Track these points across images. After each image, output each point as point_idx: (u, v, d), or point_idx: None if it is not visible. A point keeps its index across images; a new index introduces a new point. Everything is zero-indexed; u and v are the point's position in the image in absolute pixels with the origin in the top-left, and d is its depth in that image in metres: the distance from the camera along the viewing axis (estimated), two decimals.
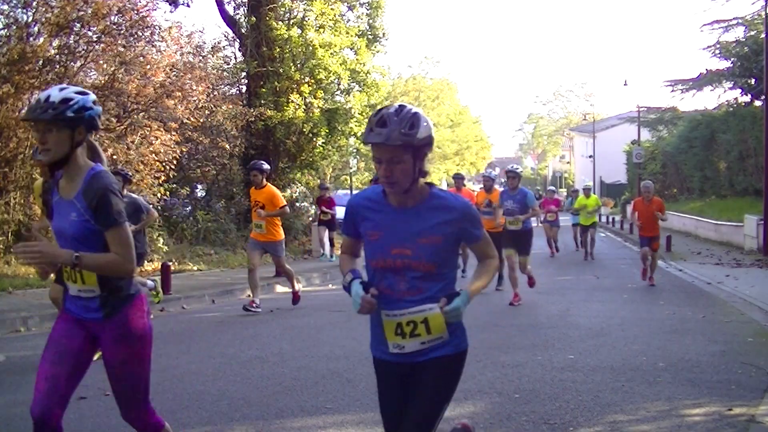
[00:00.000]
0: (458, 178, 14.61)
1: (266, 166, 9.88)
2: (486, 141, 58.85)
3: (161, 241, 14.13)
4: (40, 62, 12.35)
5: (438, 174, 45.07)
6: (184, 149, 14.87)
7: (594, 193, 23.32)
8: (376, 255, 2.84)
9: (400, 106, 2.72)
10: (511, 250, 10.29)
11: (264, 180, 9.63)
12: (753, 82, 24.95)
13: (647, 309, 9.72)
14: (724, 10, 48.01)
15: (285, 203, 9.79)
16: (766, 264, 15.01)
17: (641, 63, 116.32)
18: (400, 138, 2.63)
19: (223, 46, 18.85)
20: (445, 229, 2.79)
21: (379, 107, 4.64)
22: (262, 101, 17.81)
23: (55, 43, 12.59)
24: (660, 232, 12.80)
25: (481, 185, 13.60)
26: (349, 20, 20.58)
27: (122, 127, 13.27)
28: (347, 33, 19.44)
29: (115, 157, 12.88)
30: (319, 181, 20.84)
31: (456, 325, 2.86)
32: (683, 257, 17.14)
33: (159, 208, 14.73)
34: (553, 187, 25.93)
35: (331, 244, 17.15)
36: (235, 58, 19.23)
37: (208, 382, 5.65)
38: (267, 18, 18.10)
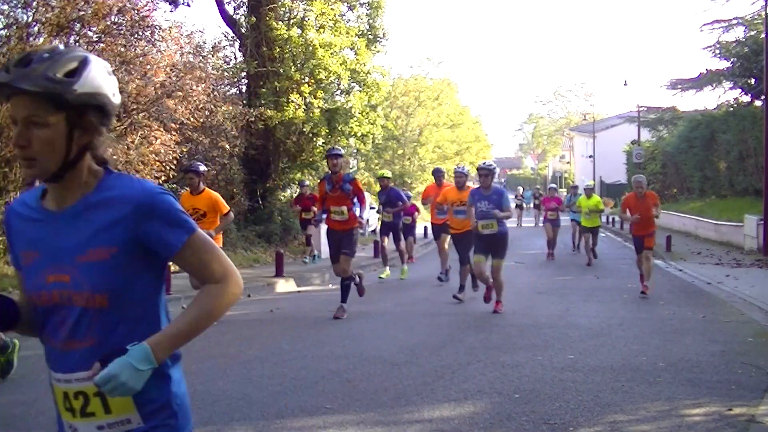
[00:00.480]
0: (437, 174, 13.52)
1: (203, 168, 9.08)
2: (486, 141, 58.81)
3: None
4: None
5: None
6: (184, 149, 14.86)
7: (597, 194, 22.96)
8: (30, 288, 1.82)
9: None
10: (482, 257, 9.29)
11: (201, 184, 8.86)
12: (753, 82, 24.94)
13: (647, 309, 9.72)
14: (724, 10, 47.92)
15: (229, 208, 9.05)
16: (766, 264, 15.01)
17: (641, 63, 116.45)
18: (40, 82, 1.66)
19: (224, 46, 18.86)
20: (117, 235, 1.75)
21: None
22: (262, 101, 17.81)
23: (56, 42, 12.58)
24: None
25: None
26: (349, 20, 20.58)
27: (122, 127, 13.26)
28: (347, 33, 19.44)
29: (115, 157, 12.89)
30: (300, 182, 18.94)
31: (162, 402, 1.80)
32: (683, 257, 17.14)
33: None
34: (554, 185, 25.63)
35: (308, 244, 16.69)
36: (235, 58, 19.23)
37: (208, 382, 5.65)
38: (267, 18, 18.10)
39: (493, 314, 9.27)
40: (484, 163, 9.70)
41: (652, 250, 11.41)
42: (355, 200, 9.00)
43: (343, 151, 10.60)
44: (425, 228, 21.70)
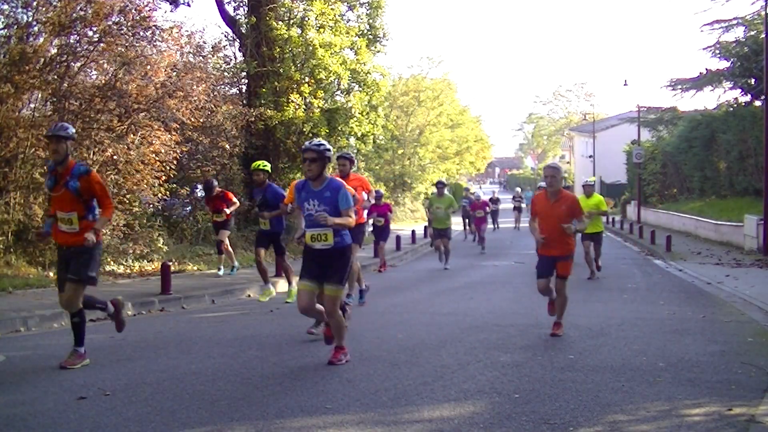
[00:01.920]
0: (342, 159, 9.32)
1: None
2: (486, 141, 58.79)
3: (161, 241, 14.13)
4: (41, 62, 12.36)
5: (438, 174, 45.05)
6: (184, 149, 14.87)
7: (599, 193, 21.62)
8: None
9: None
10: (309, 284, 6.18)
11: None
12: (753, 82, 24.95)
13: (647, 309, 9.72)
14: (724, 10, 48.06)
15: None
16: (766, 264, 15.01)
17: (641, 63, 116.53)
18: None
19: (224, 46, 18.86)
20: None
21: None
22: (262, 101, 17.81)
23: (56, 42, 12.59)
24: (579, 246, 9.29)
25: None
26: (349, 20, 20.59)
27: (123, 127, 13.27)
28: (347, 33, 19.44)
29: (115, 156, 12.89)
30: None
31: None
32: (683, 257, 17.14)
33: (159, 207, 14.74)
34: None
35: (219, 252, 13.64)
36: (235, 58, 19.23)
37: (208, 382, 5.65)
38: (267, 18, 18.10)
39: (493, 314, 9.27)
40: (310, 143, 6.27)
41: (566, 279, 7.62)
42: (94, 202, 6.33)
43: None
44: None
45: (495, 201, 29.83)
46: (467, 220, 26.61)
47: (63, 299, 6.25)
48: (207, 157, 16.85)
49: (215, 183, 13.75)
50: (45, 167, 8.50)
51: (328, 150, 6.17)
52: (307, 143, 6.26)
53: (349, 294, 9.68)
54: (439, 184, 16.42)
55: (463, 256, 19.14)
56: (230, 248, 13.77)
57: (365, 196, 9.14)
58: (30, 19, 12.21)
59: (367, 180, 10.23)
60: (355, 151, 22.98)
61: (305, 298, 6.21)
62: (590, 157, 51.18)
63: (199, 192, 17.42)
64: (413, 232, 24.05)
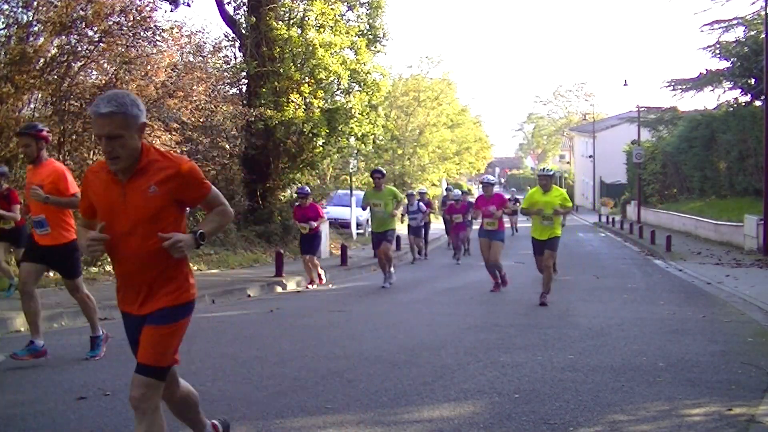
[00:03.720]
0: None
1: (45, 131, 6.25)
2: (486, 141, 58.81)
3: None
4: (41, 62, 12.36)
5: (438, 174, 45.05)
6: (184, 149, 14.87)
7: (561, 186, 19.64)
8: None
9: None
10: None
11: (43, 152, 6.21)
12: (753, 82, 24.95)
13: (647, 309, 9.73)
14: (724, 10, 48.09)
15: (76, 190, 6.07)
16: (766, 264, 15.02)
17: (641, 63, 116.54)
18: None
19: (224, 46, 18.85)
20: None
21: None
22: (262, 101, 17.81)
23: (56, 42, 12.59)
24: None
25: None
26: (349, 20, 20.58)
27: None
28: (347, 33, 19.44)
29: None
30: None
31: None
32: (683, 257, 17.14)
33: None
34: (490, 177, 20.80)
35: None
36: (235, 58, 19.22)
37: (208, 382, 5.65)
38: (267, 18, 18.10)
39: (493, 314, 9.27)
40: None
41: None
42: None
43: None
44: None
45: (515, 201, 26.53)
46: (447, 227, 21.73)
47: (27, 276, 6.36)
48: (207, 157, 16.85)
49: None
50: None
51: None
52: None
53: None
54: (376, 174, 12.60)
55: (462, 255, 19.11)
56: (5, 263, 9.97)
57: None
58: (30, 19, 12.21)
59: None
60: (355, 151, 23.02)
61: None
62: (590, 157, 51.22)
63: None
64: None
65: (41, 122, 12.38)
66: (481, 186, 12.71)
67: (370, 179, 14.14)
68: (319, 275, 13.19)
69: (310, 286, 12.92)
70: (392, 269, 12.76)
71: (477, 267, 16.56)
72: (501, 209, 11.59)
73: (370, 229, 19.51)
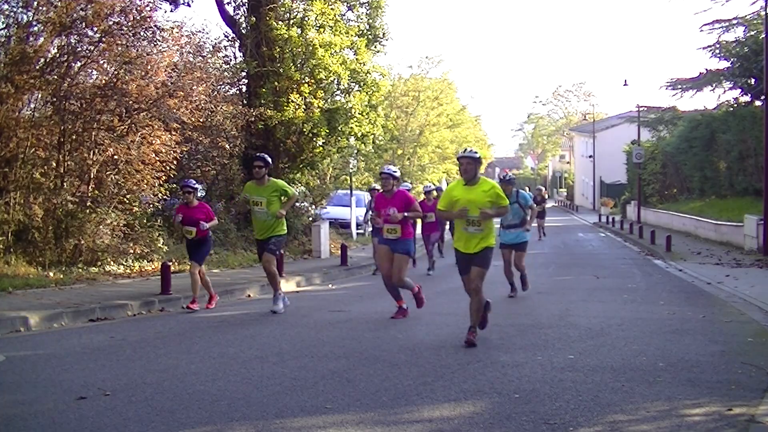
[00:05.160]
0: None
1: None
2: (485, 141, 58.83)
3: (161, 241, 14.13)
4: (41, 62, 12.36)
5: (438, 174, 45.06)
6: (184, 149, 14.87)
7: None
8: None
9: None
10: None
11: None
12: (753, 82, 24.95)
13: (647, 309, 9.72)
14: (724, 10, 48.00)
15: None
16: (766, 264, 15.01)
17: (641, 63, 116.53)
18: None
19: (224, 46, 18.85)
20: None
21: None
22: (262, 101, 17.81)
23: (56, 42, 12.59)
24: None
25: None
26: (349, 20, 20.58)
27: (124, 126, 13.27)
28: (347, 33, 19.44)
29: (116, 156, 12.89)
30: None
31: None
32: (683, 257, 17.14)
33: (159, 207, 14.73)
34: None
35: None
36: (235, 58, 19.22)
37: (208, 382, 5.65)
38: (267, 18, 18.10)
39: (494, 314, 9.25)
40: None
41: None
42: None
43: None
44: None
45: (540, 201, 24.48)
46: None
47: None
48: (207, 157, 16.86)
49: None
50: (45, 167, 8.33)
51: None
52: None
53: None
54: (258, 161, 9.31)
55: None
56: None
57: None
58: (30, 19, 12.21)
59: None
60: (355, 151, 23.02)
61: None
62: (590, 157, 51.24)
63: (200, 192, 17.36)
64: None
65: (41, 122, 12.42)
66: (381, 181, 9.21)
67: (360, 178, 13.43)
68: (212, 295, 10.19)
69: (193, 306, 9.78)
70: (280, 291, 9.51)
71: None
72: (405, 212, 8.75)
73: (369, 229, 19.35)
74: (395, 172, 9.02)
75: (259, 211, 9.33)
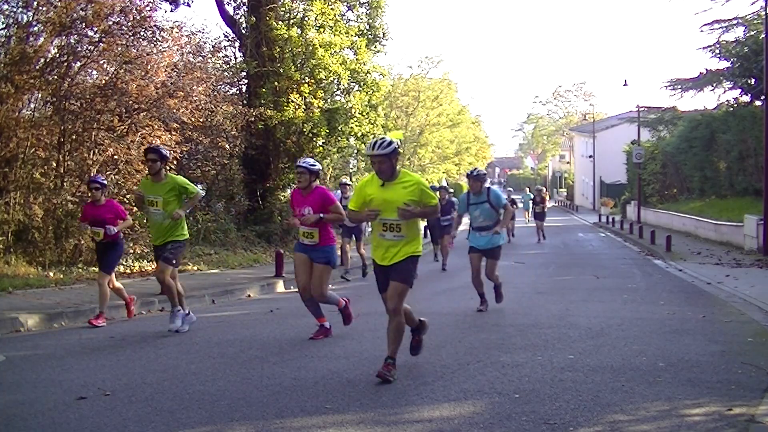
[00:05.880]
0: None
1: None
2: (485, 141, 58.84)
3: None
4: (41, 62, 12.36)
5: (438, 174, 45.06)
6: (184, 149, 14.88)
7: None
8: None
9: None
10: None
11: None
12: (753, 82, 24.93)
13: (647, 309, 9.72)
14: (724, 10, 47.91)
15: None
16: (766, 264, 15.01)
17: (641, 63, 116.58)
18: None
19: (224, 46, 18.87)
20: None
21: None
22: (262, 101, 17.82)
23: (56, 42, 12.59)
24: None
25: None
26: (349, 20, 20.60)
27: (124, 126, 13.28)
28: (347, 33, 19.45)
29: (116, 156, 12.89)
30: None
31: None
32: (683, 257, 17.14)
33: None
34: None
35: None
36: (235, 58, 19.24)
37: (208, 382, 5.65)
38: (267, 18, 18.11)
39: (494, 314, 9.26)
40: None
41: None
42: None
43: None
44: None
45: (540, 201, 24.12)
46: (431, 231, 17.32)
47: None
48: (207, 157, 16.87)
49: None
50: (45, 167, 8.38)
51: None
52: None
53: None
54: (151, 153, 8.00)
55: (461, 255, 19.10)
56: None
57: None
58: (30, 19, 12.22)
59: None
60: (355, 151, 23.03)
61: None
62: (590, 157, 51.23)
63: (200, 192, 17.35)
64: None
65: (41, 122, 12.42)
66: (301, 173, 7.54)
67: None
68: (128, 302, 9.13)
69: (98, 323, 8.41)
70: (181, 307, 8.08)
71: None
72: (321, 214, 7.28)
73: (369, 230, 19.32)
74: (313, 165, 7.49)
75: (154, 212, 7.95)
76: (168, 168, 9.04)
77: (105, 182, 9.06)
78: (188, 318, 8.15)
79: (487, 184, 9.59)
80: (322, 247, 7.38)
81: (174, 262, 8.03)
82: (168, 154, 8.51)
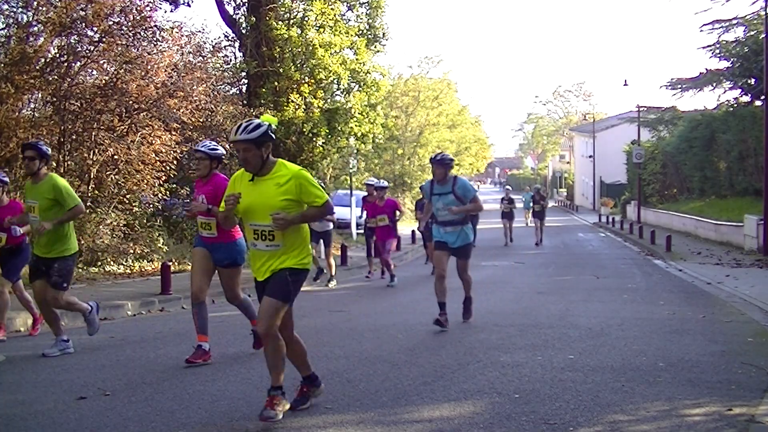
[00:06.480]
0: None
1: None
2: (485, 141, 58.79)
3: (161, 241, 14.13)
4: (41, 62, 12.36)
5: None
6: (184, 149, 14.88)
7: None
8: None
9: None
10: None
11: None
12: (753, 82, 24.94)
13: (647, 309, 9.72)
14: (724, 10, 47.96)
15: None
16: (766, 264, 15.01)
17: (641, 63, 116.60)
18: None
19: (224, 46, 18.86)
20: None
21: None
22: (262, 101, 17.82)
23: (56, 42, 12.60)
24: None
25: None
26: (349, 20, 20.59)
27: (124, 126, 13.27)
28: (347, 33, 19.45)
29: (116, 156, 12.89)
30: None
31: None
32: (683, 257, 17.14)
33: (159, 207, 14.73)
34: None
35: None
36: (235, 58, 19.24)
37: (208, 382, 5.65)
38: (267, 18, 18.11)
39: (493, 314, 9.26)
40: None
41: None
42: None
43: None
44: None
45: (539, 199, 23.63)
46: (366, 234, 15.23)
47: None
48: None
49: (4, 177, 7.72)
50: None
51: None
52: None
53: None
54: (28, 150, 6.60)
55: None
56: None
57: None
58: (30, 19, 12.23)
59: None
60: (355, 151, 23.02)
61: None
62: (590, 157, 51.20)
63: None
64: (413, 232, 24.02)
65: (41, 122, 12.42)
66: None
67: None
68: (35, 317, 7.95)
69: None
70: (62, 335, 6.82)
71: (478, 267, 16.56)
72: (209, 206, 6.25)
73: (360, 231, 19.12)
74: (214, 149, 6.45)
75: (32, 220, 6.59)
76: (49, 167, 7.17)
77: (6, 179, 7.55)
78: (66, 349, 6.76)
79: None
80: (225, 245, 6.33)
81: (65, 286, 6.62)
82: (49, 151, 6.71)
